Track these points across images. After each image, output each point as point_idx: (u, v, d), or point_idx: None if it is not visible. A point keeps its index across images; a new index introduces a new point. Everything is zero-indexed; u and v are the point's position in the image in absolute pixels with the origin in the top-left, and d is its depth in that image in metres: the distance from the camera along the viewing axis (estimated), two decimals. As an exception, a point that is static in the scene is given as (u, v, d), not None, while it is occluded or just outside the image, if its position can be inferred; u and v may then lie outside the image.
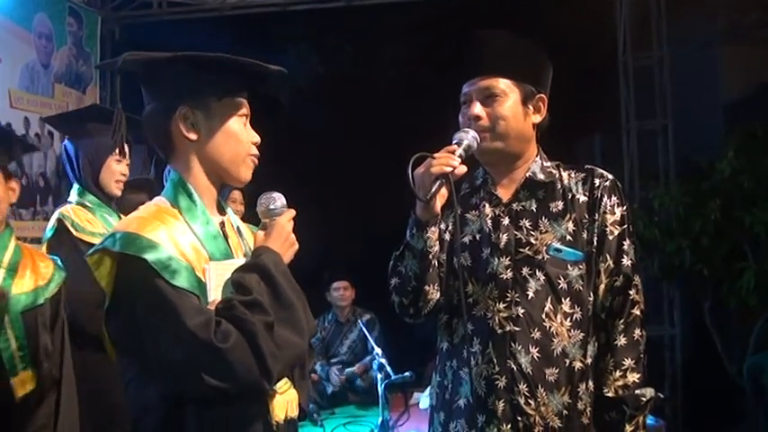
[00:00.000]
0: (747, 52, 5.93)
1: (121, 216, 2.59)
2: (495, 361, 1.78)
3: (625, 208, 1.89)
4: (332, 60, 7.20)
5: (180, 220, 1.55)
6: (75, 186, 2.78)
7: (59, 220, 2.62)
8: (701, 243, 4.65)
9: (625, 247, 1.87)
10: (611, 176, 1.91)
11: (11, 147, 2.27)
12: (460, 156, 1.76)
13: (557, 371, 1.78)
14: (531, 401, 1.76)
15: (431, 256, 1.81)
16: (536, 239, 1.83)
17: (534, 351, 1.78)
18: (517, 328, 1.79)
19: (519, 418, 1.76)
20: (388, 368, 3.85)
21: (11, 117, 4.62)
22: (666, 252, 4.82)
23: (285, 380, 1.61)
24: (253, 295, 1.46)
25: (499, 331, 1.79)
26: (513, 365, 1.77)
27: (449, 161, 1.72)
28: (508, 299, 1.80)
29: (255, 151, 1.64)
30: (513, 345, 1.78)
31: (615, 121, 5.76)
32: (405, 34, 7.00)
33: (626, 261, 1.86)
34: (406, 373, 3.84)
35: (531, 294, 1.80)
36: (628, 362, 1.82)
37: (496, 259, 1.83)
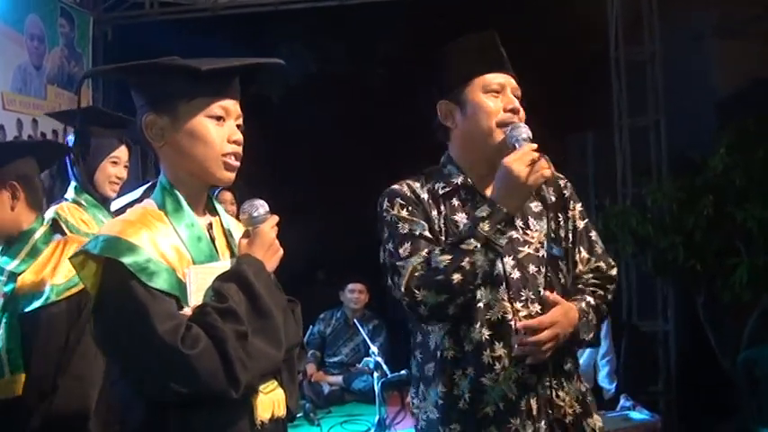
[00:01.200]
0: (740, 47, 5.94)
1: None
2: (525, 361, 1.78)
3: (581, 203, 2.01)
4: (324, 59, 7.21)
5: (165, 223, 1.56)
6: (73, 183, 2.79)
7: (54, 220, 2.62)
8: (694, 239, 4.67)
9: (593, 236, 1.99)
10: (564, 177, 2.02)
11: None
12: None
13: (569, 360, 1.87)
14: (560, 393, 1.81)
15: (500, 255, 1.80)
16: (532, 238, 1.87)
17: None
18: None
19: (551, 412, 1.79)
20: (385, 367, 3.86)
21: (3, 119, 4.62)
22: (659, 248, 4.84)
23: (272, 380, 1.61)
24: (228, 303, 1.47)
25: (523, 332, 1.78)
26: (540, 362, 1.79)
27: (549, 164, 1.75)
28: (523, 297, 1.82)
29: (230, 149, 1.58)
30: None
31: (607, 117, 5.78)
32: (397, 33, 7.02)
33: (598, 249, 1.98)
34: (402, 372, 3.85)
35: (541, 290, 1.83)
36: (588, 303, 1.87)
37: (501, 260, 1.81)
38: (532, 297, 1.82)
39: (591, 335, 1.86)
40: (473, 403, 1.79)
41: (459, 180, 1.92)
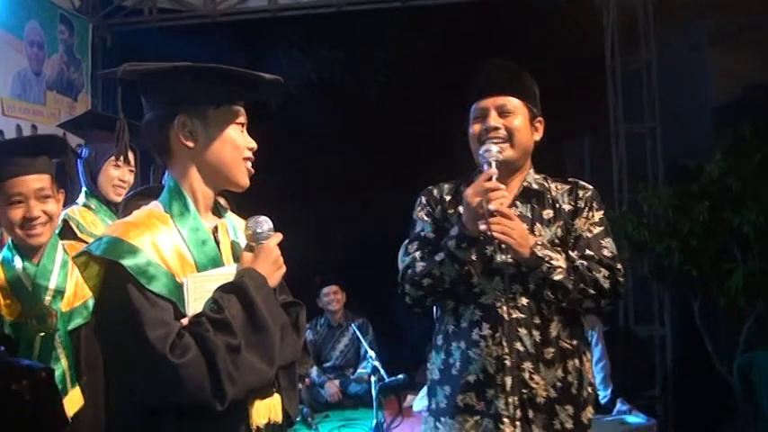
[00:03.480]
0: (735, 55, 5.97)
1: None
2: (505, 343, 2.04)
3: (603, 212, 2.19)
4: (322, 65, 7.24)
5: (170, 226, 1.58)
6: (84, 189, 2.82)
7: (65, 221, 2.63)
8: (689, 244, 4.69)
9: (603, 242, 2.13)
10: (591, 188, 2.22)
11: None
12: (496, 177, 2.00)
13: (553, 350, 2.07)
14: (535, 376, 2.04)
15: (466, 265, 2.06)
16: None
17: (536, 334, 2.06)
18: (522, 315, 2.06)
19: (524, 391, 2.03)
20: (382, 371, 3.87)
21: (3, 125, 4.63)
22: (656, 253, 4.86)
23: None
24: (224, 314, 1.48)
25: (507, 318, 2.05)
26: (519, 347, 2.04)
27: (503, 194, 1.97)
28: (514, 290, 2.06)
29: (249, 155, 1.66)
30: (519, 329, 2.05)
31: (604, 124, 5.81)
32: (395, 41, 7.04)
33: (606, 252, 2.11)
34: (400, 376, 3.86)
35: (532, 286, 2.05)
36: (548, 252, 2.02)
37: (501, 256, 2.06)
38: (521, 291, 2.06)
39: (549, 271, 2.00)
40: (461, 371, 2.09)
41: None
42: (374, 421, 3.75)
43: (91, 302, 2.22)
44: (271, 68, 1.69)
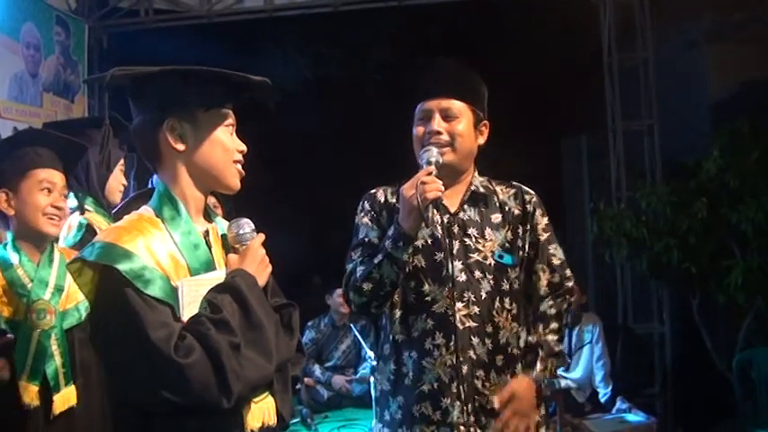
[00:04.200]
0: (732, 51, 5.98)
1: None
2: (459, 352, 2.03)
3: (547, 218, 2.21)
4: (319, 65, 7.24)
5: (162, 230, 1.57)
6: (77, 192, 2.79)
7: (88, 225, 2.61)
8: (688, 241, 4.69)
9: (551, 249, 2.18)
10: (534, 192, 2.22)
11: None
12: (435, 174, 1.98)
13: (503, 357, 2.08)
14: (487, 383, 2.05)
15: (406, 266, 2.05)
16: (483, 246, 2.10)
17: (488, 342, 2.06)
18: (475, 324, 2.05)
19: (476, 398, 2.04)
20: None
21: (0, 127, 4.63)
22: (654, 251, 4.85)
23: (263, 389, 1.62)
24: (222, 314, 1.48)
25: (461, 327, 2.04)
26: (473, 355, 2.04)
27: (438, 186, 1.93)
28: (465, 299, 2.06)
29: (239, 158, 1.65)
30: (472, 338, 2.05)
31: (602, 121, 5.81)
32: (391, 39, 7.04)
33: (555, 261, 2.18)
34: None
35: (483, 294, 2.07)
36: (553, 325, 2.13)
37: (451, 263, 2.05)
38: (474, 299, 2.05)
39: (558, 350, 2.14)
40: (415, 381, 2.07)
41: None
42: (373, 421, 3.75)
43: (82, 306, 2.24)
44: (267, 68, 1.69)
